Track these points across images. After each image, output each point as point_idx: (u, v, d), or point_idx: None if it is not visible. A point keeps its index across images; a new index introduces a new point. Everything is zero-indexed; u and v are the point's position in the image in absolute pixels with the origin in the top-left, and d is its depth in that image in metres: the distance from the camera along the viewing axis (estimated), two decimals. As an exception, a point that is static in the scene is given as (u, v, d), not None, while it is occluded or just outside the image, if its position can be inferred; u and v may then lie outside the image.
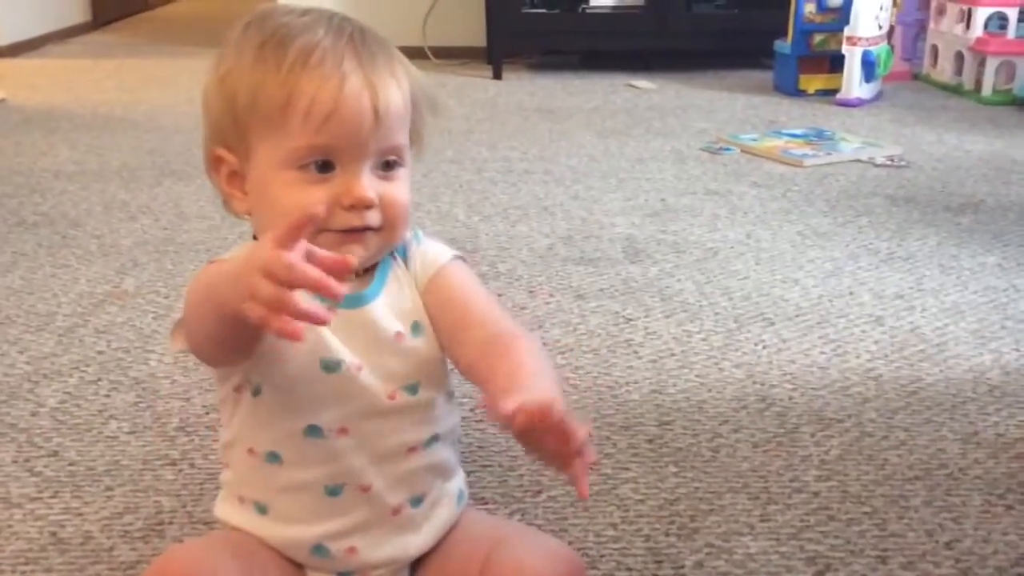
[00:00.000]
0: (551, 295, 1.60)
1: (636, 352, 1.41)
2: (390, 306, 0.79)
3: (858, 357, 1.40)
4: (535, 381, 0.68)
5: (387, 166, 0.76)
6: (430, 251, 0.83)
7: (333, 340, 0.76)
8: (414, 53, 3.74)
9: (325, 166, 0.73)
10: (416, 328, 0.80)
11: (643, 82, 3.39)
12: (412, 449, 0.80)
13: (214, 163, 0.76)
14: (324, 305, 0.63)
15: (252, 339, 0.70)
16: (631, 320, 1.51)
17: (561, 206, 2.06)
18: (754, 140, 2.57)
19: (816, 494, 1.08)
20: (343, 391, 0.76)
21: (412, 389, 0.79)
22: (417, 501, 0.81)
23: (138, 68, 3.62)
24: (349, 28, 0.75)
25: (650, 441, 1.18)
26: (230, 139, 0.74)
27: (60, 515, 1.01)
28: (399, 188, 0.77)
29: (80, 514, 1.01)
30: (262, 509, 0.79)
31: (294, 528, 0.78)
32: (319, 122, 0.71)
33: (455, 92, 3.23)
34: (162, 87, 3.25)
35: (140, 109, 2.89)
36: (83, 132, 2.61)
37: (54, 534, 0.98)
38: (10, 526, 0.99)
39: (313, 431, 0.77)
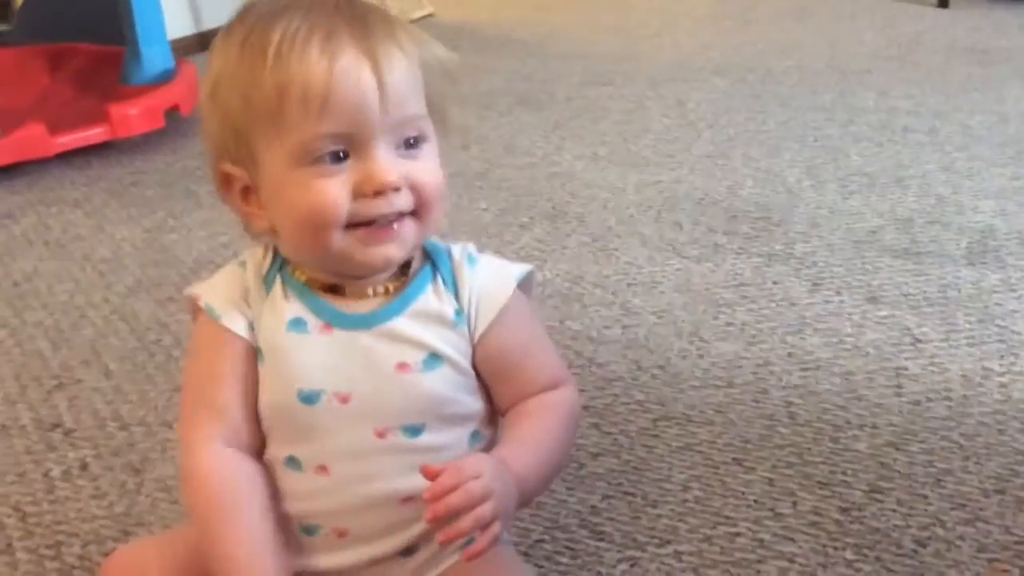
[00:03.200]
0: (838, 292, 1.35)
1: (900, 386, 1.13)
2: (406, 330, 0.69)
3: None
4: (513, 450, 0.69)
5: (408, 144, 0.67)
6: (488, 285, 0.72)
7: (317, 367, 0.69)
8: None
9: (338, 156, 0.65)
10: (431, 361, 0.69)
11: None
12: (407, 500, 0.69)
13: (224, 183, 0.70)
14: None
15: None
16: (920, 342, 1.22)
17: (922, 178, 1.71)
18: None
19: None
20: (323, 426, 0.69)
21: (412, 431, 0.69)
22: (410, 552, 0.72)
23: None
24: (336, 1, 0.66)
25: (843, 510, 0.94)
26: (234, 152, 0.68)
27: None
28: (427, 166, 0.68)
29: None
30: None
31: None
32: (318, 107, 0.63)
33: (882, 21, 2.83)
34: (573, 6, 3.25)
35: (540, 31, 2.92)
36: (477, 52, 2.70)
37: None
38: None
39: (292, 463, 0.71)
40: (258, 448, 0.71)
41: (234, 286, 0.71)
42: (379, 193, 0.65)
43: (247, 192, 0.69)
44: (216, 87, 0.67)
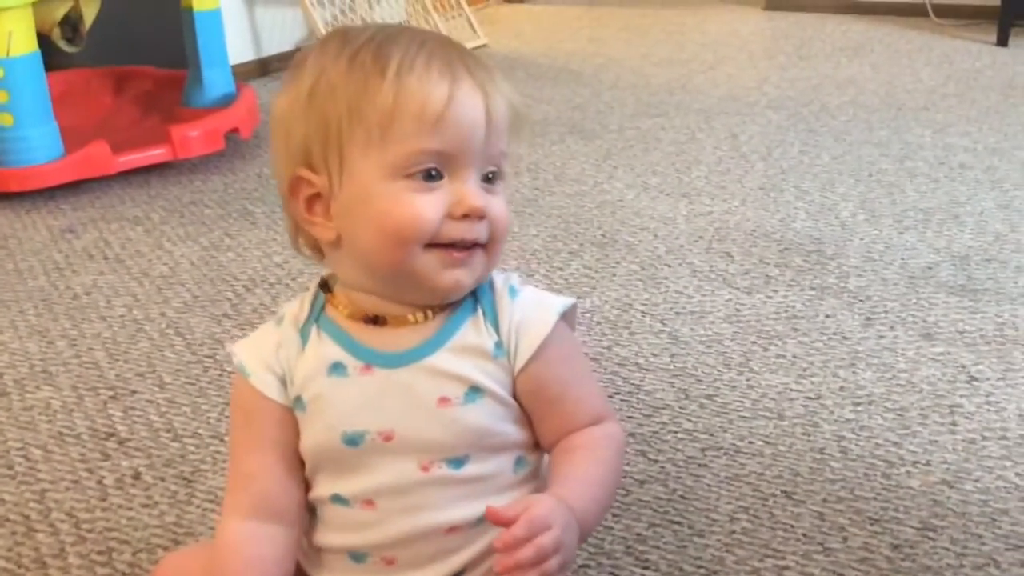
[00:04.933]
0: (891, 327, 1.33)
1: (954, 423, 1.11)
2: (446, 365, 0.69)
3: None
4: (572, 489, 0.68)
5: (489, 178, 0.69)
6: (529, 318, 0.71)
7: (359, 408, 0.69)
8: (914, 10, 3.33)
9: (433, 174, 0.67)
10: (473, 394, 0.69)
11: None
12: (453, 529, 0.70)
13: (293, 187, 0.70)
14: None
15: None
16: (976, 380, 1.20)
17: (979, 215, 1.69)
18: None
19: None
20: (368, 464, 0.70)
21: (456, 463, 0.70)
22: None
23: (617, 18, 3.68)
24: (441, 36, 0.70)
25: (895, 547, 0.93)
26: (317, 159, 0.68)
27: None
28: (501, 202, 0.70)
29: None
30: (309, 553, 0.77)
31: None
32: (432, 124, 0.65)
33: (939, 59, 2.81)
34: (628, 39, 3.28)
35: (594, 62, 2.95)
36: (531, 82, 2.72)
37: None
38: None
39: (338, 500, 0.72)
40: (293, 502, 0.72)
41: (268, 342, 0.72)
42: (467, 216, 0.67)
43: (314, 200, 0.69)
44: (314, 94, 0.68)
